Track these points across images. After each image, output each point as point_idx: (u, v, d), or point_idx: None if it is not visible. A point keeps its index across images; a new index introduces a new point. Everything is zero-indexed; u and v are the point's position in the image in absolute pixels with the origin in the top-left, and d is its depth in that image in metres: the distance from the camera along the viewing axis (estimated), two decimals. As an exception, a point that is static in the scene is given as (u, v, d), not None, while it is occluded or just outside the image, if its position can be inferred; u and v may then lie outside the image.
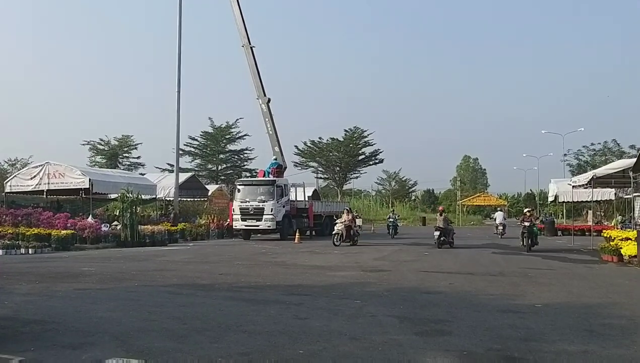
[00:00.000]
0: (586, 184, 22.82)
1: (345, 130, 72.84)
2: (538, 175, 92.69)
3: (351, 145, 72.61)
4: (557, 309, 8.37)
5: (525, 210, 23.15)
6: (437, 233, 22.20)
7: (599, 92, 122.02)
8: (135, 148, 67.82)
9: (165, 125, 73.84)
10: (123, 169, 56.97)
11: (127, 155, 68.28)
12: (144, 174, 44.39)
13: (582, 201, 32.59)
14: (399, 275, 12.70)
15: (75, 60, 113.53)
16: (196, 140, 65.81)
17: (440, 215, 23.63)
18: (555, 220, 38.81)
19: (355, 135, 72.61)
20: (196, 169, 63.42)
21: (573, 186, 25.15)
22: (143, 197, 29.21)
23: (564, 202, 33.35)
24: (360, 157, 74.19)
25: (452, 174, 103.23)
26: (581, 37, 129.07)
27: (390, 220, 32.84)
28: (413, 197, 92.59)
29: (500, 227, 32.31)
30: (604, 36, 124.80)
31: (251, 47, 31.83)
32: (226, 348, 5.83)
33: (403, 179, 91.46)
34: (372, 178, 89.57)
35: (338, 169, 73.89)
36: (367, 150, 73.60)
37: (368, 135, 72.43)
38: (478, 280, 12.02)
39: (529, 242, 20.41)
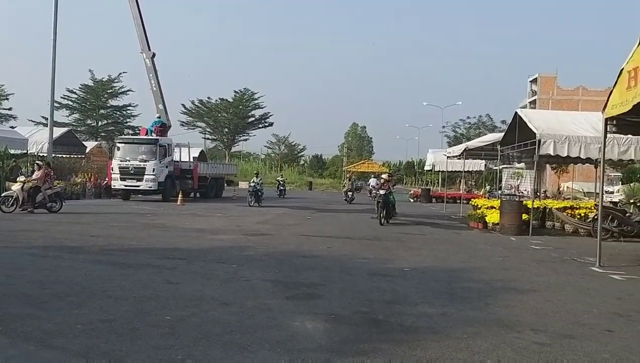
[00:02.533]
0: (459, 155, 24.19)
1: (235, 92, 71.87)
2: (419, 145, 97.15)
3: (241, 106, 71.77)
4: (423, 273, 8.85)
5: (384, 175, 20.21)
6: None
7: (478, 68, 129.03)
8: (7, 98, 62.47)
9: (42, 76, 68.35)
10: (-8, 121, 52.41)
11: (-4, 105, 62.81)
12: (15, 127, 41.10)
13: (456, 171, 34.52)
14: (280, 238, 12.81)
15: None
16: (75, 93, 61.86)
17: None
18: (430, 188, 41.01)
19: (245, 96, 71.79)
20: (74, 123, 59.77)
21: (448, 156, 26.56)
22: (12, 151, 27.06)
23: (439, 171, 35.15)
24: (250, 120, 73.70)
25: (341, 141, 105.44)
26: (464, 14, 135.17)
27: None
28: (302, 162, 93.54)
29: (374, 191, 32.97)
30: (485, 14, 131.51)
31: (135, -3, 30.09)
32: (88, 314, 5.57)
33: (292, 144, 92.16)
34: (261, 141, 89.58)
35: (227, 130, 72.90)
36: (257, 112, 73.25)
37: (258, 97, 71.93)
38: (355, 244, 12.40)
39: (384, 213, 17.48)
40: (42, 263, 8.59)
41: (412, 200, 36.33)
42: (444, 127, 74.30)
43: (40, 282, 7.00)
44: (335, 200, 34.75)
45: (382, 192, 17.98)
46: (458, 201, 29.81)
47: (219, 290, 6.91)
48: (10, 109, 62.92)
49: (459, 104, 73.61)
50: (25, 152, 31.66)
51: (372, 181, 36.34)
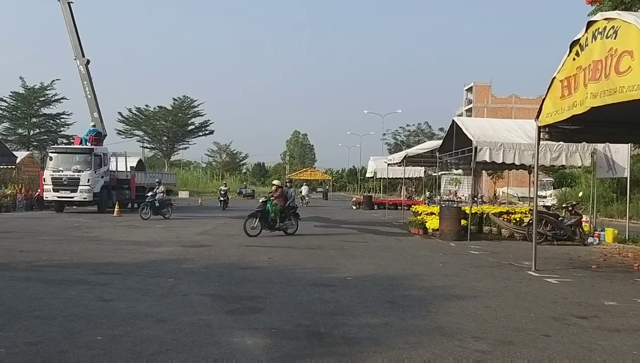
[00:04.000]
0: (400, 162, 24.52)
1: (174, 99, 70.68)
2: (360, 152, 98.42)
3: (180, 114, 70.65)
4: (365, 282, 8.81)
5: (275, 181, 17.99)
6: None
7: (417, 77, 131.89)
8: None
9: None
10: None
11: None
12: (-63, 137, 38.91)
13: (396, 177, 35.01)
14: (220, 250, 12.54)
15: None
16: (4, 101, 59.21)
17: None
18: (372, 195, 41.45)
19: (185, 104, 70.68)
20: (4, 133, 57.20)
21: (389, 164, 26.89)
22: None
23: (381, 178, 35.56)
24: (190, 128, 72.61)
25: (283, 148, 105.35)
26: (402, 23, 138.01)
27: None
28: (244, 170, 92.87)
29: (307, 198, 40.76)
30: (422, 24, 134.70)
31: (68, 2, 29.18)
32: (13, 337, 5.21)
33: (234, 152, 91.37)
34: (202, 149, 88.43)
35: (166, 138, 71.51)
36: (197, 120, 72.24)
37: (198, 105, 70.96)
38: (297, 253, 12.28)
39: (255, 222, 15.91)
40: (-37, 282, 8.03)
41: (354, 208, 36.59)
42: (384, 134, 75.45)
43: (-40, 303, 6.54)
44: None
45: (262, 199, 16.79)
46: (399, 207, 30.22)
47: (155, 307, 6.63)
48: None
49: (399, 112, 75.25)
50: (-51, 163, 30.05)
51: (304, 189, 42.93)
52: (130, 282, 8.34)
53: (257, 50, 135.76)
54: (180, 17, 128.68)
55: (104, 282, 8.23)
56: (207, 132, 74.19)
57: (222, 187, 34.70)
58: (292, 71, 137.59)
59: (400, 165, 25.30)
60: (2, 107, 59.45)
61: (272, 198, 16.56)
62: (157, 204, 22.37)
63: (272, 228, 16.26)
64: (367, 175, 40.08)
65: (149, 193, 23.22)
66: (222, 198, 32.74)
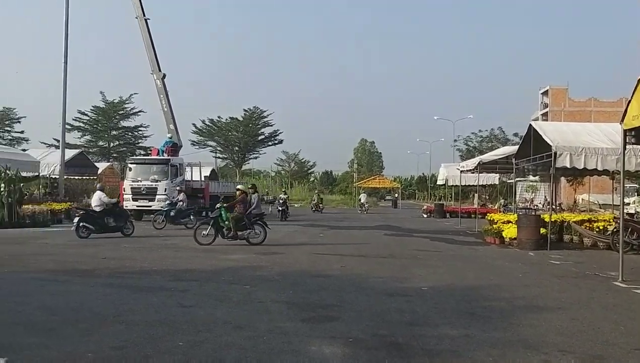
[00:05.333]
0: (473, 169, 23.91)
1: (245, 110, 72.08)
2: (430, 159, 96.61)
3: (250, 125, 71.95)
4: (441, 292, 8.59)
5: (239, 186, 17.11)
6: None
7: (489, 81, 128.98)
8: (18, 122, 63.24)
9: (53, 99, 69.36)
10: (4, 144, 52.87)
11: (8, 129, 63.52)
12: (27, 150, 41.37)
13: (469, 185, 34.22)
14: (292, 257, 12.60)
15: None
16: (86, 115, 62.41)
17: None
18: (444, 202, 40.69)
19: (255, 115, 71.97)
20: (86, 145, 60.19)
21: (461, 171, 26.28)
22: (24, 174, 27.16)
23: (453, 185, 34.85)
24: (260, 137, 73.82)
25: (350, 157, 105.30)
26: (473, 29, 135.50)
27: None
28: (312, 178, 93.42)
29: (367, 205, 43.18)
30: (493, 29, 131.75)
31: (145, 19, 30.31)
32: (99, 341, 5.39)
33: (302, 160, 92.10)
34: (271, 159, 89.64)
35: (237, 148, 73.02)
36: (267, 130, 73.33)
37: (268, 115, 72.08)
38: (369, 262, 12.17)
39: (208, 229, 15.12)
40: (52, 288, 8.42)
41: (425, 216, 36.01)
42: (455, 140, 73.85)
43: (49, 308, 6.84)
44: (346, 217, 34.54)
45: (217, 206, 15.69)
46: (472, 216, 29.46)
47: (233, 313, 6.71)
48: (22, 132, 63.75)
49: (471, 118, 73.04)
50: (37, 174, 31.83)
51: (363, 196, 45.08)
52: (207, 288, 8.50)
53: (325, 59, 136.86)
54: (249, 29, 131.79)
55: (183, 288, 8.42)
56: (276, 142, 75.29)
57: (281, 196, 32.70)
58: (360, 79, 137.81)
59: (473, 172, 24.67)
60: (84, 121, 62.67)
61: (226, 205, 15.51)
62: (172, 214, 21.61)
63: (228, 237, 15.01)
64: (438, 182, 39.36)
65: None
66: (280, 208, 30.25)
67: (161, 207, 26.12)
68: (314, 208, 40.95)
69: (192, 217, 21.78)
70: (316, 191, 52.37)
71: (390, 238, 18.93)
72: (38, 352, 5.04)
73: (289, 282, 9.11)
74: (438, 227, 24.94)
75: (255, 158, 77.63)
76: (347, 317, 6.64)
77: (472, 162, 24.92)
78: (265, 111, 72.05)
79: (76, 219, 17.37)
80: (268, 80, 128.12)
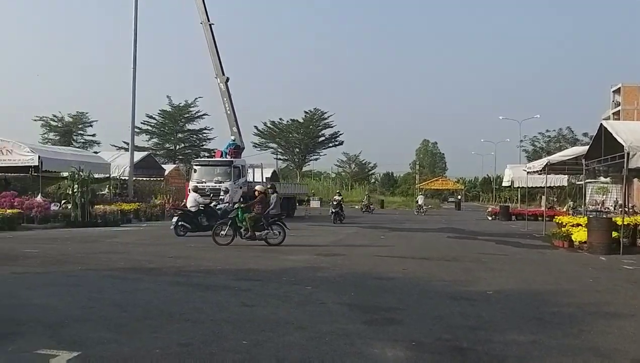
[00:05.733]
0: (540, 170, 23.16)
1: (306, 112, 72.67)
2: (495, 160, 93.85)
3: (311, 126, 72.47)
4: (508, 296, 8.36)
5: (257, 188, 16.67)
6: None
7: (555, 80, 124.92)
8: (91, 125, 66.13)
9: (123, 103, 72.37)
10: (78, 147, 55.37)
11: (82, 132, 66.52)
12: (98, 152, 43.20)
13: (536, 186, 33.20)
14: (353, 259, 12.57)
15: (31, 36, 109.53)
16: (154, 118, 64.57)
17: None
18: (509, 205, 39.62)
19: (316, 116, 72.45)
20: (153, 148, 62.26)
21: (528, 172, 25.52)
22: (96, 175, 28.35)
23: (519, 187, 33.91)
24: (320, 139, 74.22)
25: (412, 158, 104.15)
26: (539, 27, 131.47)
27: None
28: (372, 180, 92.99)
29: (425, 207, 42.68)
30: (560, 26, 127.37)
31: (210, 25, 31.07)
32: (166, 338, 5.54)
33: (363, 162, 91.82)
34: (332, 160, 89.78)
35: (298, 150, 73.72)
36: (327, 131, 73.70)
37: (328, 117, 72.43)
38: (431, 265, 11.99)
39: (226, 230, 15.26)
40: (122, 285, 8.73)
41: (490, 218, 35.19)
42: (521, 141, 71.64)
43: (120, 305, 7.09)
44: (408, 219, 34.20)
45: (235, 206, 16.09)
46: (539, 218, 28.53)
47: (295, 314, 6.76)
48: (94, 135, 66.66)
49: (537, 117, 70.46)
50: (108, 176, 33.18)
51: (420, 198, 45.04)
52: (270, 288, 8.60)
53: (386, 60, 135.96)
54: (309, 31, 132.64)
55: (246, 287, 8.55)
56: (337, 143, 75.55)
57: (336, 197, 29.69)
58: (422, 78, 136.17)
59: (540, 173, 23.89)
60: (152, 124, 64.86)
61: (243, 206, 15.68)
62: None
63: (245, 237, 15.02)
64: (504, 184, 38.40)
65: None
66: (333, 210, 27.50)
67: (191, 207, 26.67)
68: (363, 209, 41.07)
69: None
70: (366, 193, 52.76)
71: (453, 240, 18.60)
72: (110, 346, 5.23)
73: (351, 284, 9.10)
74: (503, 230, 24.32)
75: (316, 159, 78.21)
76: (409, 320, 6.57)
77: (539, 163, 24.13)
78: (326, 112, 72.49)
79: (175, 219, 18.51)
80: (329, 82, 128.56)
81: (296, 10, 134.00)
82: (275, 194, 16.50)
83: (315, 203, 49.17)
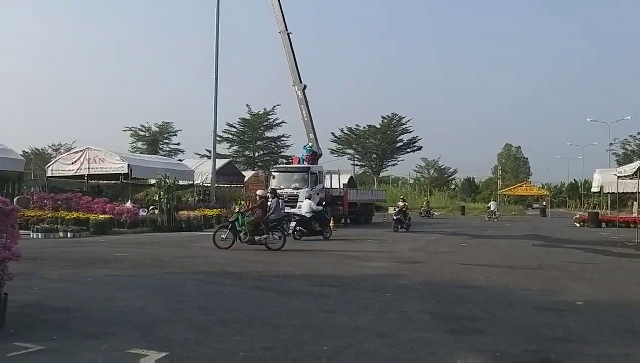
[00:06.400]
0: (632, 175, 21.90)
1: (383, 117, 72.33)
2: (582, 164, 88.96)
3: (388, 132, 72.01)
4: (598, 307, 7.95)
5: (258, 192, 17.88)
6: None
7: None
8: (175, 134, 68.99)
9: (205, 112, 74.80)
10: (163, 155, 57.81)
11: (167, 141, 69.43)
12: (183, 160, 44.90)
13: (627, 192, 31.44)
14: (434, 267, 12.37)
15: (117, 50, 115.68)
16: (234, 126, 66.36)
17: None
18: (599, 211, 37.69)
19: (393, 122, 71.93)
20: (233, 155, 63.96)
21: (619, 176, 24.22)
22: (180, 182, 29.49)
23: (608, 192, 32.24)
24: (398, 144, 73.57)
25: (494, 163, 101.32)
26: (631, 21, 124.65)
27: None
28: (452, 186, 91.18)
29: (498, 213, 43.09)
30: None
31: (288, 34, 31.56)
32: (249, 342, 5.66)
33: (442, 167, 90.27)
34: (410, 166, 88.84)
35: (375, 156, 73.45)
36: (405, 137, 72.89)
37: (406, 122, 71.67)
38: (516, 274, 11.59)
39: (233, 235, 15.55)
40: (206, 288, 9.00)
41: (577, 225, 33.62)
42: (611, 144, 67.94)
43: (204, 307, 7.31)
44: (490, 225, 33.28)
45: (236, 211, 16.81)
46: (632, 226, 26.98)
47: (375, 321, 6.71)
48: (178, 143, 69.46)
49: (628, 119, 66.58)
50: (192, 182, 34.42)
51: (492, 204, 44.71)
52: (349, 295, 8.59)
53: (463, 61, 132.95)
54: (387, 37, 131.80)
55: (325, 293, 8.59)
56: (415, 148, 74.62)
57: (399, 203, 27.30)
58: (502, 81, 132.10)
59: (632, 178, 22.59)
60: (232, 132, 66.67)
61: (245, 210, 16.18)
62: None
63: (246, 242, 15.24)
64: (592, 189, 36.65)
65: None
66: (395, 217, 25.53)
67: (305, 213, 26.98)
68: (423, 214, 40.67)
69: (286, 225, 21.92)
70: (425, 198, 53.31)
71: (538, 248, 17.92)
72: (195, 348, 5.40)
73: (432, 292, 8.94)
74: (592, 237, 23.15)
75: (394, 165, 77.57)
76: (494, 330, 6.36)
77: (631, 167, 22.82)
78: (403, 117, 71.81)
79: (293, 224, 19.31)
80: (407, 86, 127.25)
81: (373, 13, 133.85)
82: (275, 199, 16.44)
83: (392, 210, 48.87)
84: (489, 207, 44.75)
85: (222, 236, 15.47)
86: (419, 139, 73.08)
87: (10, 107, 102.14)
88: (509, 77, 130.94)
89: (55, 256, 12.78)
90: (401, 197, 35.31)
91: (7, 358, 5.02)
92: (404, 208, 26.05)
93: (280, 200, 16.74)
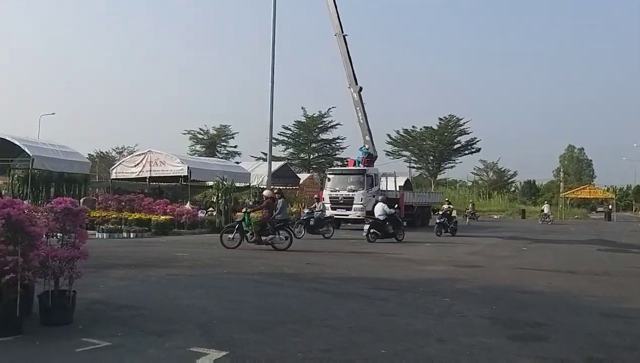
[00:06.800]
0: None
1: (440, 119, 71.35)
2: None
3: (446, 133, 70.95)
4: (671, 316, 7.58)
5: (265, 193, 17.58)
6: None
7: None
8: (232, 137, 70.26)
9: (261, 116, 75.96)
10: (221, 158, 58.96)
11: (224, 144, 70.75)
12: (239, 163, 45.68)
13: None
14: (493, 271, 12.09)
15: (177, 55, 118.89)
16: (289, 129, 66.98)
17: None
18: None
19: (451, 123, 70.82)
20: (289, 157, 64.49)
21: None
22: (237, 184, 30.00)
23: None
24: (456, 146, 72.37)
25: (555, 165, 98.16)
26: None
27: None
28: (512, 188, 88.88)
29: (552, 216, 43.15)
30: None
31: (344, 36, 31.60)
32: (307, 343, 5.69)
33: (502, 169, 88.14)
34: (468, 168, 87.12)
35: (432, 158, 72.55)
36: (463, 138, 71.63)
37: (464, 123, 70.42)
38: (580, 279, 11.20)
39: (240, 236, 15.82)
40: (263, 289, 9.10)
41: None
42: (681, 145, 64.81)
43: (262, 308, 7.39)
44: (552, 229, 32.29)
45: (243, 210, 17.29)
46: None
47: (434, 325, 6.61)
48: (235, 146, 70.64)
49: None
50: (248, 184, 34.95)
51: (545, 207, 44.60)
52: (407, 298, 8.51)
53: (522, 59, 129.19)
54: (447, 36, 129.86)
55: (382, 297, 8.54)
56: (473, 150, 73.26)
57: (444, 206, 26.98)
58: (565, 81, 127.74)
59: None
60: (288, 135, 67.32)
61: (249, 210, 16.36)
62: (311, 223, 21.33)
63: (251, 241, 15.47)
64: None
65: (306, 210, 22.98)
66: (439, 221, 24.49)
67: (358, 216, 26.95)
68: (469, 216, 39.87)
69: (331, 227, 21.81)
70: (471, 201, 53.15)
71: (603, 253, 17.26)
72: (254, 348, 5.47)
73: (492, 297, 8.74)
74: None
75: (451, 167, 76.37)
76: (557, 337, 6.17)
77: None
78: (461, 119, 70.61)
79: (366, 226, 19.92)
80: (465, 87, 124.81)
81: (426, 14, 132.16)
82: (282, 200, 16.39)
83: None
84: (542, 210, 44.78)
85: (230, 236, 15.80)
86: (477, 141, 71.74)
87: (76, 113, 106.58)
88: (572, 76, 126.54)
89: (119, 255, 13.22)
90: (446, 199, 34.52)
91: (76, 353, 5.23)
92: (448, 211, 25.06)
93: (284, 201, 16.65)
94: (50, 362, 5.02)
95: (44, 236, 6.34)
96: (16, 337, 5.65)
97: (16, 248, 5.86)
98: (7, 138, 26.36)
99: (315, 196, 26.87)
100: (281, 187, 39.99)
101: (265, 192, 17.71)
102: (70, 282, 6.33)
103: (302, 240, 19.01)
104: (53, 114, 54.10)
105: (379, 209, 20.32)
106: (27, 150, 25.79)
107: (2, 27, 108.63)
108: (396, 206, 23.90)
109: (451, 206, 27.17)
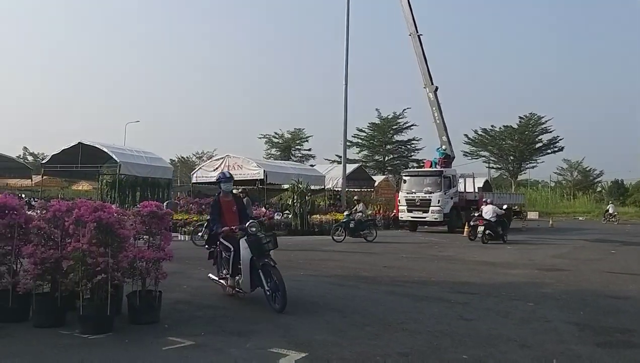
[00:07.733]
0: None
1: (520, 117, 68.79)
2: None
3: (526, 132, 68.37)
4: None
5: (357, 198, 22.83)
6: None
7: None
8: (307, 140, 70.81)
9: (335, 118, 76.27)
10: (295, 161, 59.66)
11: (299, 147, 71.50)
12: (314, 165, 46.07)
13: None
14: (579, 275, 11.56)
15: (251, 62, 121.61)
16: (363, 131, 66.73)
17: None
18: None
19: (532, 122, 68.21)
20: (363, 160, 64.28)
21: None
22: (312, 187, 30.28)
23: None
24: (537, 145, 69.54)
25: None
26: None
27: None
28: (598, 189, 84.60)
29: (618, 216, 42.53)
30: None
31: (418, 36, 31.22)
32: (385, 346, 5.65)
33: (587, 169, 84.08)
34: (550, 168, 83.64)
35: (512, 158, 70.15)
36: (545, 137, 68.73)
37: (545, 121, 67.64)
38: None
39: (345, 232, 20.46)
40: (340, 291, 9.11)
41: None
42: None
43: (340, 310, 7.41)
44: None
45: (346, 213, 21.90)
46: None
47: (517, 331, 6.39)
48: (309, 149, 71.20)
49: None
50: (323, 187, 35.18)
51: (610, 207, 44.17)
52: (488, 302, 8.27)
53: (605, 52, 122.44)
54: (525, 33, 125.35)
55: (463, 301, 8.34)
56: (556, 149, 70.19)
57: (490, 209, 21.34)
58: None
59: None
60: (362, 137, 67.13)
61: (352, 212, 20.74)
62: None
63: (353, 236, 19.99)
64: None
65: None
66: (472, 223, 21.53)
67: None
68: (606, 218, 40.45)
69: (373, 230, 20.94)
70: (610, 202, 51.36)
71: None
72: (333, 350, 5.49)
73: (579, 302, 8.35)
74: None
75: (533, 167, 73.50)
76: (652, 346, 5.81)
77: None
78: (543, 116, 67.90)
79: (481, 228, 20.36)
80: (547, 83, 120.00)
81: (505, 8, 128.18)
82: (247, 198, 15.46)
83: (533, 214, 46.57)
84: (607, 210, 44.40)
85: (338, 233, 20.17)
86: (560, 139, 68.71)
87: (157, 121, 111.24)
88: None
89: (201, 256, 13.55)
90: (485, 200, 23.88)
91: (162, 351, 5.44)
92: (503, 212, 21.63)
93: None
94: (139, 359, 5.24)
95: (132, 238, 6.65)
96: (107, 334, 5.95)
97: (107, 250, 6.18)
98: (96, 145, 27.90)
99: (356, 198, 26.67)
100: (356, 189, 40.14)
101: (356, 198, 21.86)
102: (157, 283, 6.60)
103: (368, 244, 18.92)
104: (137, 121, 56.61)
105: (490, 211, 20.70)
106: (114, 157, 27.16)
107: (108, 50, 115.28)
108: (504, 207, 23.37)
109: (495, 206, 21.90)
